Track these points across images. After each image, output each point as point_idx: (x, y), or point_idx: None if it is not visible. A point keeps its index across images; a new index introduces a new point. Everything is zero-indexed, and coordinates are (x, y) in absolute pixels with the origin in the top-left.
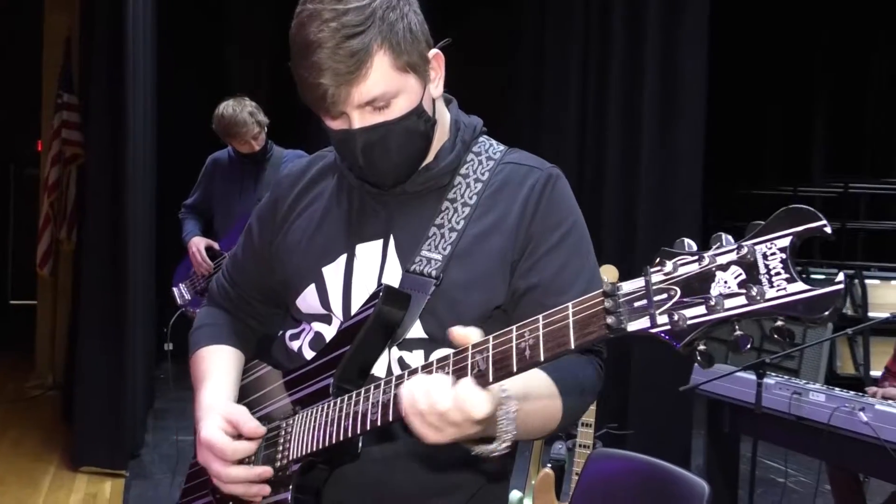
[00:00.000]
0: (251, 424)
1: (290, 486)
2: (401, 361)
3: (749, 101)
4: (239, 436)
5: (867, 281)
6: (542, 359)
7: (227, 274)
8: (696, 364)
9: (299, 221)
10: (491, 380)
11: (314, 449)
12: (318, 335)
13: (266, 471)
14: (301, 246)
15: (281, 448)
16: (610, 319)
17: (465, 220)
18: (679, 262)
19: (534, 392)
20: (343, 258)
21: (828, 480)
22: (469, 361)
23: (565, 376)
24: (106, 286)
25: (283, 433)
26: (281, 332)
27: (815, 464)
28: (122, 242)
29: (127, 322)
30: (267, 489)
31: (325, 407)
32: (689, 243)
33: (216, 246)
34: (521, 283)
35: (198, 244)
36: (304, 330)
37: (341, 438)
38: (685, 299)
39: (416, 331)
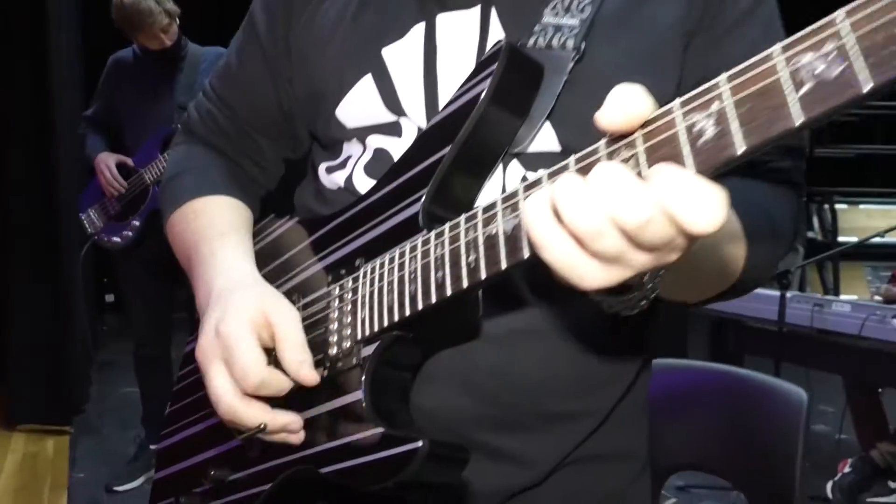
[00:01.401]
0: (302, 359)
1: (362, 381)
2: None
3: None
4: (270, 355)
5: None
6: None
7: (214, 96)
8: None
9: None
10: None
11: (401, 316)
12: (381, 154)
13: (294, 421)
14: (342, 26)
15: (336, 326)
16: None
17: None
18: None
19: None
20: (417, 31)
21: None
22: (680, 126)
23: (753, 212)
24: (37, 225)
25: (336, 304)
26: (310, 169)
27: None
28: (51, 171)
29: (62, 266)
30: (295, 437)
31: (415, 248)
32: None
33: (129, 162)
34: (695, 69)
35: (106, 161)
36: (350, 156)
37: (463, 286)
38: None
39: (546, 139)
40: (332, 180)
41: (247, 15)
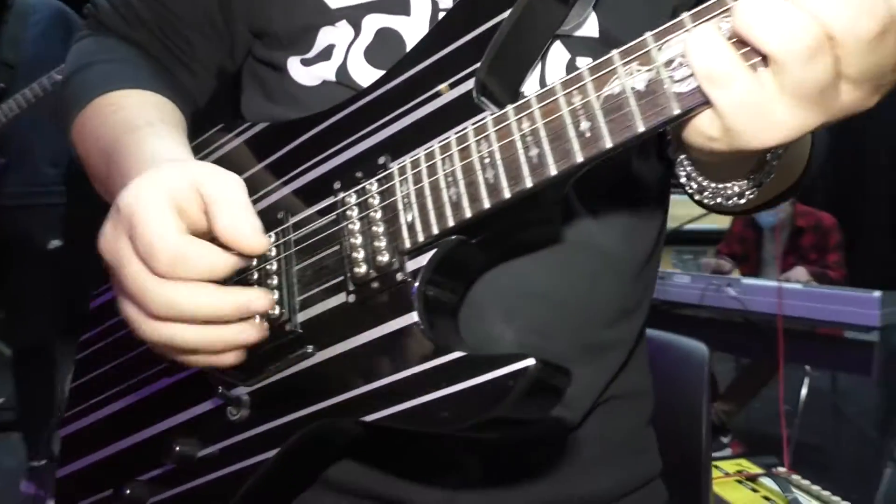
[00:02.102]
0: (243, 218)
1: (414, 299)
2: (572, 71)
3: None
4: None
5: None
6: None
7: None
8: None
9: None
10: None
11: (476, 210)
12: (387, 35)
13: (268, 298)
14: None
15: (360, 240)
16: None
17: None
18: None
19: None
20: None
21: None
22: None
23: None
24: None
25: (355, 213)
26: (258, 74)
27: None
28: None
29: None
30: (256, 332)
31: (483, 129)
32: None
33: None
34: None
35: None
36: (334, 43)
37: (576, 160)
38: None
39: (588, 25)
40: (313, 74)
41: None
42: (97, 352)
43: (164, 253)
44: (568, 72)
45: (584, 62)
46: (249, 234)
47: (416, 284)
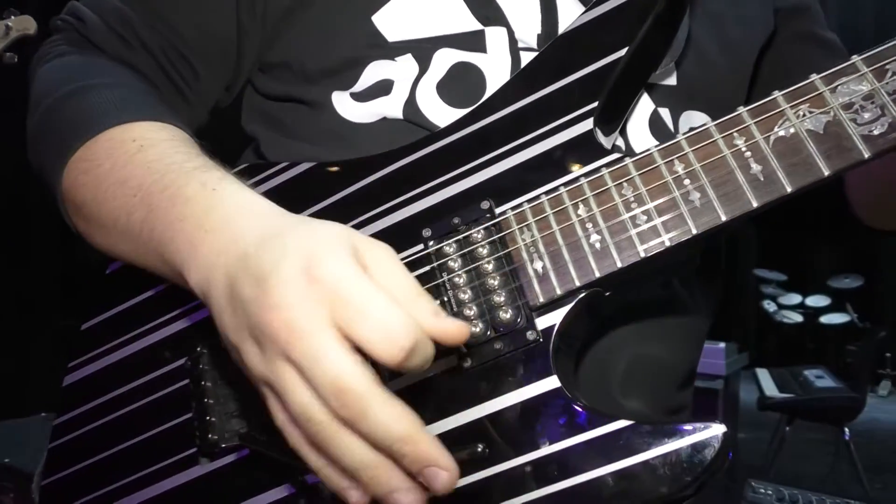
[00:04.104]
0: (436, 306)
1: (551, 358)
2: (654, 122)
3: None
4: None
5: None
6: None
7: None
8: None
9: None
10: None
11: (630, 261)
12: (464, 70)
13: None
14: None
15: (469, 294)
16: None
17: None
18: None
19: None
20: None
21: None
22: None
23: None
24: None
25: (457, 264)
26: (299, 100)
27: None
28: None
29: None
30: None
31: (624, 172)
32: None
33: None
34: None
35: None
36: (391, 78)
37: (752, 205)
38: None
39: (665, 71)
40: (369, 111)
41: None
42: (83, 438)
43: (407, 335)
44: (651, 124)
45: (664, 112)
46: (451, 321)
47: (552, 344)
